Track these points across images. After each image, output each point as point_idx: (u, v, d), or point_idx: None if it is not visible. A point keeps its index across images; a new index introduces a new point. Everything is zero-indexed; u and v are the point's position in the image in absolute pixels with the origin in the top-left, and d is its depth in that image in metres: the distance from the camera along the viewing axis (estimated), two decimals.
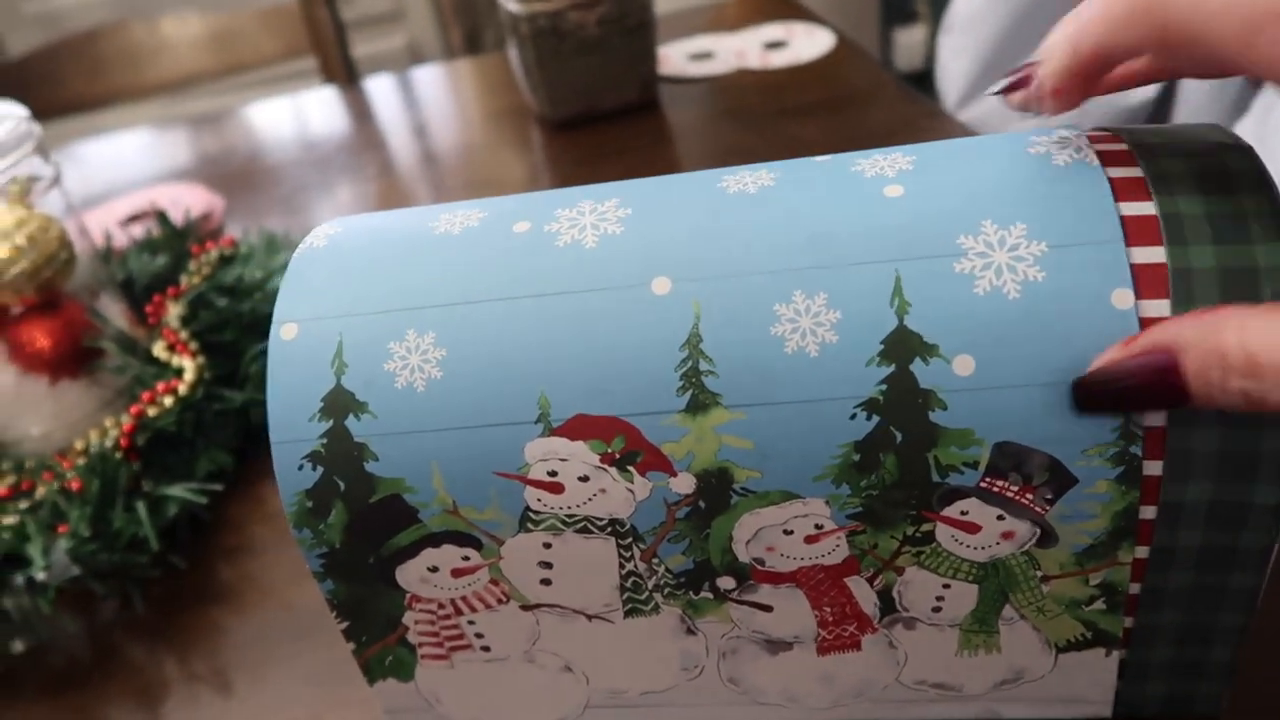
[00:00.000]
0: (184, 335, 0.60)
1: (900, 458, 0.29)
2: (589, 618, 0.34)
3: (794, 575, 0.32)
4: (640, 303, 0.30)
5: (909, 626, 0.33)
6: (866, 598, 0.33)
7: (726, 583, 0.33)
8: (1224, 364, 0.25)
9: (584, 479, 0.31)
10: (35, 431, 0.58)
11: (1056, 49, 0.29)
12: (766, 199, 0.32)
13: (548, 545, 0.32)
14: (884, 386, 0.29)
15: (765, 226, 0.31)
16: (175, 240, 0.71)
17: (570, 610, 0.34)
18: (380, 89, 1.23)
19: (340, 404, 0.32)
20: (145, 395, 0.55)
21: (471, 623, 0.35)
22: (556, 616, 0.34)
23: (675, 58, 1.08)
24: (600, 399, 0.30)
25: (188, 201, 0.91)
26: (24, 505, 0.53)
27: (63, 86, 1.45)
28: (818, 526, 0.31)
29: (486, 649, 0.36)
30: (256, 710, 0.46)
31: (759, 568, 0.32)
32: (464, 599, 0.34)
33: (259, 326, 0.64)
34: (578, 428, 0.30)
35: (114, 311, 0.62)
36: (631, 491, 0.31)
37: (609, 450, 0.30)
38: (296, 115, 1.19)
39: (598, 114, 0.97)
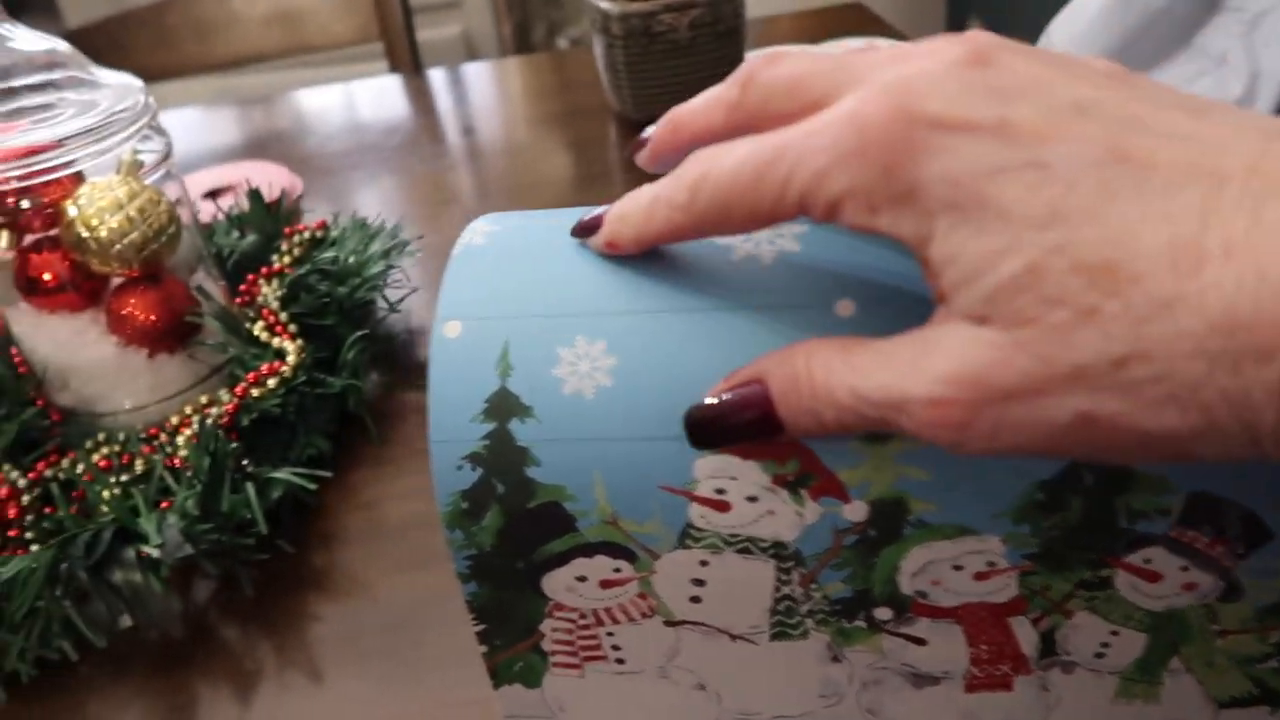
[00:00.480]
0: (284, 317, 0.60)
1: (1088, 500, 0.28)
2: (733, 637, 0.34)
3: (956, 611, 0.31)
4: (823, 323, 0.30)
5: (1066, 670, 0.32)
6: (1028, 639, 0.32)
7: (883, 613, 0.32)
8: (796, 387, 0.27)
9: (752, 499, 0.30)
10: (128, 404, 0.58)
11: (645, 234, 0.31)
12: None
13: (704, 563, 0.32)
14: None
15: None
16: (266, 219, 0.71)
17: (715, 629, 0.33)
18: (449, 80, 1.23)
19: (504, 407, 0.31)
20: (250, 376, 0.55)
21: (610, 634, 0.34)
22: (700, 634, 0.34)
23: None
24: None
25: (267, 179, 0.91)
26: (123, 478, 0.53)
27: (128, 57, 1.45)
28: (990, 564, 0.30)
29: (621, 661, 0.35)
30: (349, 701, 0.46)
31: (920, 601, 0.31)
32: (607, 610, 0.34)
33: (357, 314, 0.63)
34: (751, 447, 0.30)
35: (213, 289, 0.61)
36: (800, 516, 0.30)
37: (782, 472, 0.30)
38: (361, 101, 1.19)
39: None
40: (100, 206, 0.54)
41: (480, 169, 0.99)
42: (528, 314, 0.32)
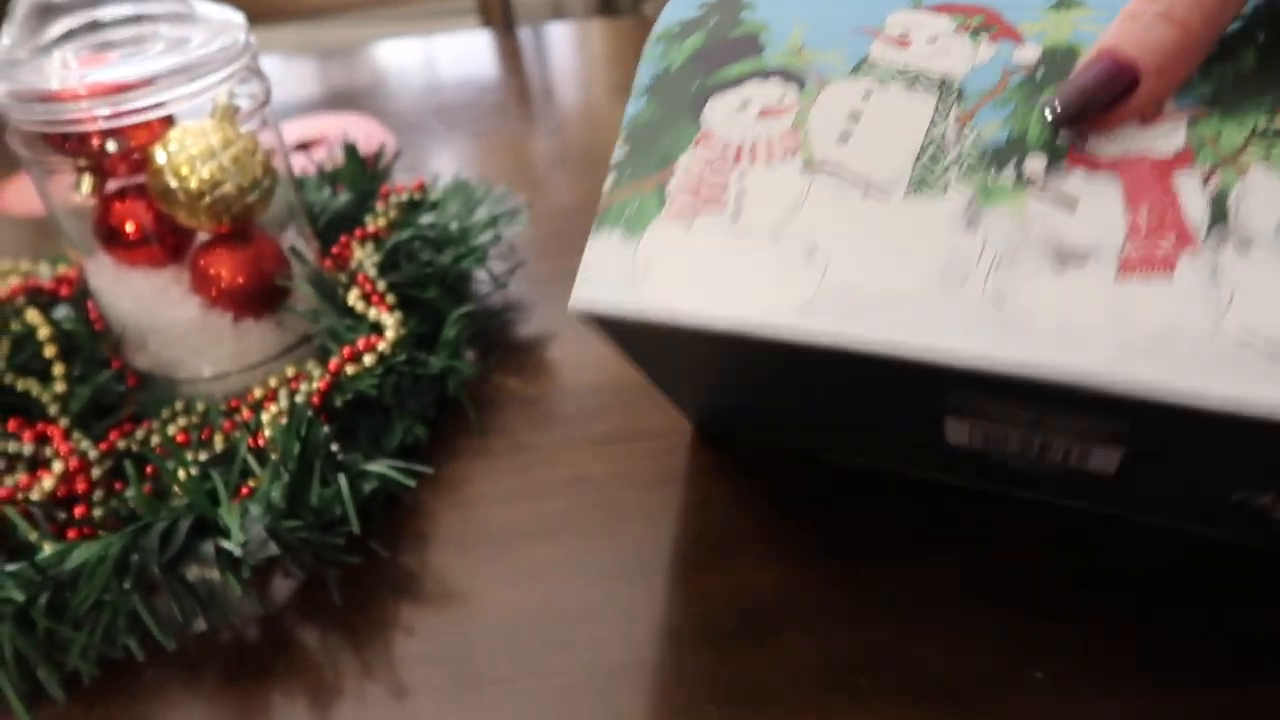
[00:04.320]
0: (382, 286, 0.59)
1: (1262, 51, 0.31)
2: (865, 192, 0.35)
3: (1115, 164, 0.32)
4: None
5: (1241, 251, 0.30)
6: (1194, 202, 0.31)
7: (1036, 162, 0.33)
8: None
9: (932, 40, 0.35)
10: (207, 372, 0.58)
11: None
12: None
13: (868, 94, 0.35)
14: None
15: None
16: (361, 176, 0.71)
17: (852, 178, 0.35)
18: (534, 40, 1.24)
19: None
20: (345, 351, 0.55)
21: (742, 175, 0.37)
22: (833, 184, 0.35)
23: None
24: None
25: (363, 133, 0.91)
26: (202, 457, 0.51)
27: None
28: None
29: (738, 214, 0.36)
30: None
31: (1077, 151, 0.32)
32: (753, 146, 0.37)
33: (460, 288, 0.62)
34: (945, 7, 0.36)
35: (305, 250, 0.61)
36: (974, 53, 0.35)
37: (966, 22, 0.35)
38: (447, 57, 1.20)
39: None
40: (191, 154, 0.54)
41: (562, 134, 0.96)
42: None
